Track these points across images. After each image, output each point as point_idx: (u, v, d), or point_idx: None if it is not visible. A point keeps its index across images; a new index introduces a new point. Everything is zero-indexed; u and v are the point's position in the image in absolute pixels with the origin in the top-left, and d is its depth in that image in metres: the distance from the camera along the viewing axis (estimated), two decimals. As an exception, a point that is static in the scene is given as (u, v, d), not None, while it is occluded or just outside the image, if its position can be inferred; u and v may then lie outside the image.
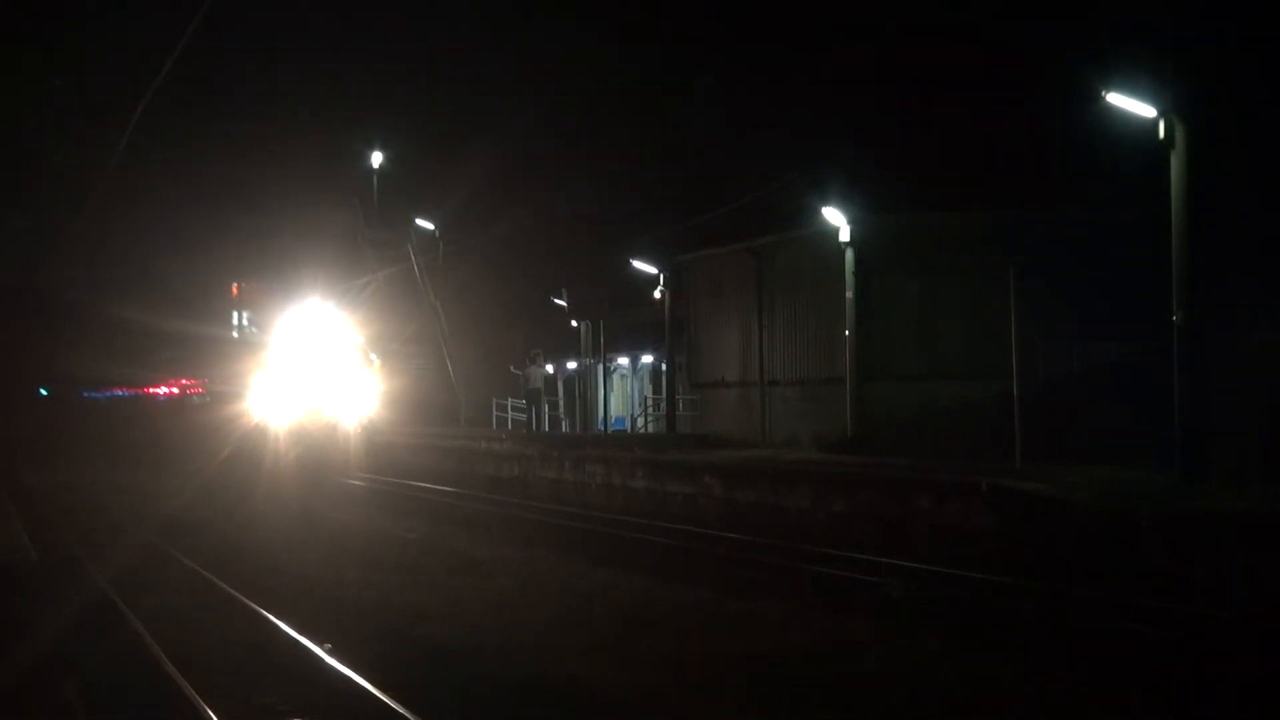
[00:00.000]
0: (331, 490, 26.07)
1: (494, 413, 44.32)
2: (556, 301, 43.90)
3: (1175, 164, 15.89)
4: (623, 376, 44.60)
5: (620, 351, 42.88)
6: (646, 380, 42.65)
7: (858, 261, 25.87)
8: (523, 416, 46.95)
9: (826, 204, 25.82)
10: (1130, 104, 16.19)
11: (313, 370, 29.02)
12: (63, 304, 55.23)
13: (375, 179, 42.03)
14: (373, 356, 30.52)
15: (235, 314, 49.37)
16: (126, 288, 53.04)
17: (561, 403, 47.81)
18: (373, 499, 24.99)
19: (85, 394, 57.71)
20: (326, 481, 26.93)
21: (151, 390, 52.94)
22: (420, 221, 42.75)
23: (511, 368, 45.01)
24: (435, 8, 54.38)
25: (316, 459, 27.83)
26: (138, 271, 54.72)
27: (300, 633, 10.67)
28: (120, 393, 56.21)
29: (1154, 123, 16.01)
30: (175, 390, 51.31)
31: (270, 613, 11.67)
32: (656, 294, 33.32)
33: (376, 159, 41.75)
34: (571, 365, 46.00)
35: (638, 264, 33.67)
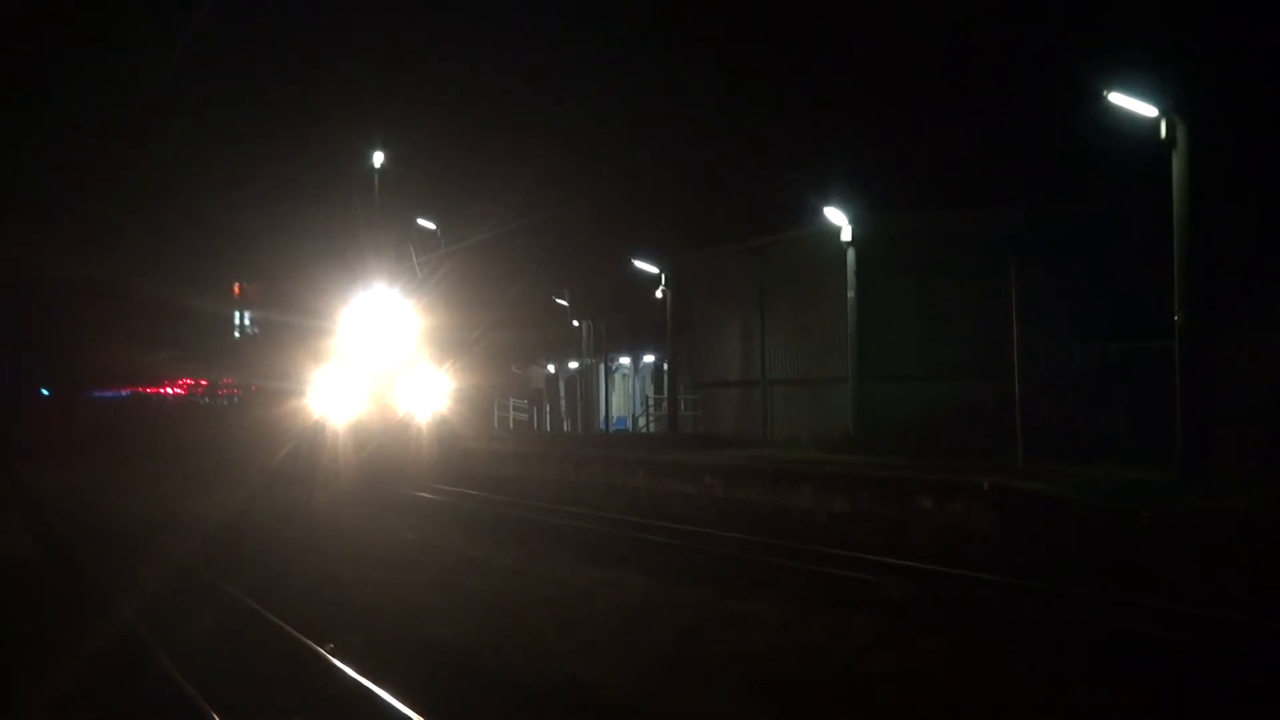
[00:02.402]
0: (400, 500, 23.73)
1: (495, 412, 44.31)
2: (558, 301, 43.94)
3: (1176, 163, 15.89)
4: (624, 376, 44.63)
5: (621, 351, 42.91)
6: (648, 380, 42.69)
7: (859, 261, 25.87)
8: (524, 417, 46.96)
9: (828, 203, 25.82)
10: (1131, 103, 16.19)
11: (379, 364, 26.48)
12: (72, 293, 53.05)
13: (376, 178, 42.07)
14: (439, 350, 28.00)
15: (236, 314, 49.26)
16: (164, 274, 50.30)
17: (563, 402, 47.85)
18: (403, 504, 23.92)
19: (98, 393, 55.31)
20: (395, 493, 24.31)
21: (174, 389, 51.67)
22: (421, 221, 42.83)
23: (513, 368, 45.02)
24: (436, 6, 54.46)
25: (390, 464, 25.23)
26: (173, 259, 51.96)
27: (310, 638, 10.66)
28: (140, 391, 54.09)
29: (1155, 122, 16.02)
30: (199, 388, 49.89)
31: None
32: (658, 293, 33.34)
33: (378, 159, 41.78)
34: (573, 365, 46.05)
35: (639, 264, 33.68)
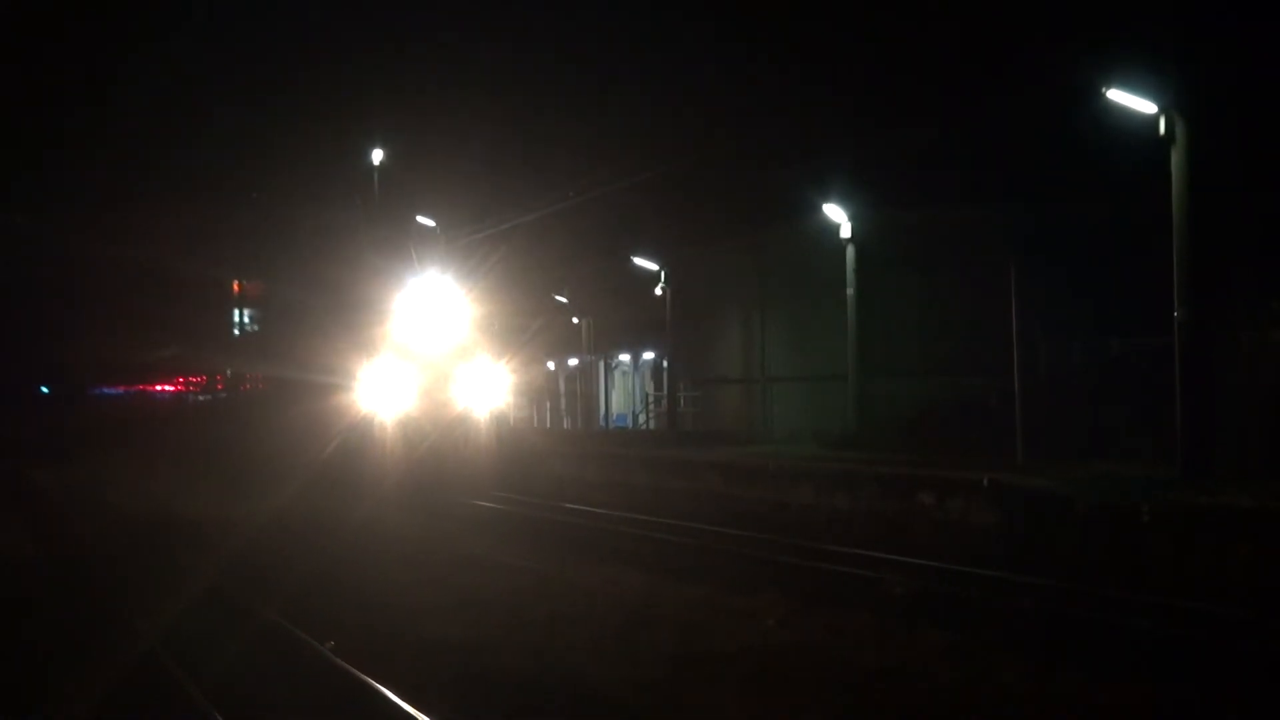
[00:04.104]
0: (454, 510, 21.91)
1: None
2: (558, 298, 43.93)
3: (1176, 160, 15.91)
4: (624, 373, 44.66)
5: (622, 348, 42.94)
6: (648, 377, 42.71)
7: (859, 257, 25.89)
8: (523, 414, 46.90)
9: (827, 200, 25.84)
10: (1131, 100, 16.21)
11: (426, 356, 24.69)
12: (74, 282, 51.12)
13: (376, 175, 42.09)
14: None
15: (236, 311, 49.01)
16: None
17: (563, 399, 47.87)
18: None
19: (106, 390, 53.28)
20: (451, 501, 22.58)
21: (189, 383, 50.10)
22: (421, 219, 42.87)
23: (513, 364, 44.89)
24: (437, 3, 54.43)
25: (451, 468, 23.53)
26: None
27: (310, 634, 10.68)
28: (149, 389, 52.18)
29: (1155, 119, 16.04)
30: (217, 383, 48.12)
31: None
32: (658, 290, 33.34)
33: (378, 155, 41.81)
34: (573, 362, 46.06)
35: (639, 260, 33.69)
